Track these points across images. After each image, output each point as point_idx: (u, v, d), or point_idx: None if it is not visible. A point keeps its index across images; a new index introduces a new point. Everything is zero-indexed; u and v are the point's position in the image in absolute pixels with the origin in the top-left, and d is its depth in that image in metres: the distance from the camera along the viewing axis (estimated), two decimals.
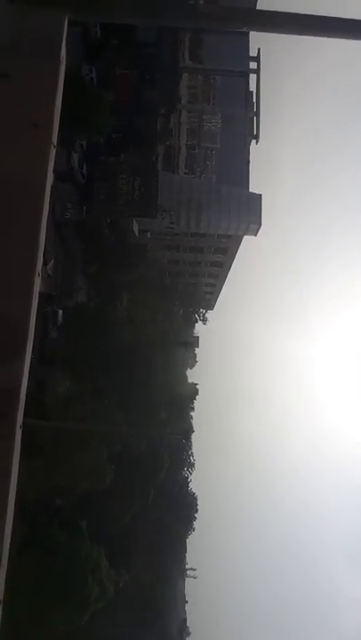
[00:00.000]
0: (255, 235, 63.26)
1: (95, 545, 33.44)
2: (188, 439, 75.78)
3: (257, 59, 64.82)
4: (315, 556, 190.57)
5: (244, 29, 5.15)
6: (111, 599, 35.52)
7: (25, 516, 31.14)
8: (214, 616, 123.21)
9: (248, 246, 76.31)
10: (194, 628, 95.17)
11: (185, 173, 64.77)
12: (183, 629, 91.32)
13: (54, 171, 5.07)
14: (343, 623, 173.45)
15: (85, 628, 34.75)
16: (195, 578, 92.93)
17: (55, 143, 4.63)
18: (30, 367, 5.97)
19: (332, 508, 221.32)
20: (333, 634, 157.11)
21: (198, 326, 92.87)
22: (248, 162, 66.21)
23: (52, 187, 5.14)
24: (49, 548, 30.65)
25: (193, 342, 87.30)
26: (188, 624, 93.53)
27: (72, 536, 32.12)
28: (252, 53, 64.97)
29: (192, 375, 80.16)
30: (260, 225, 61.21)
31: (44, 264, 36.84)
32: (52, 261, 40.96)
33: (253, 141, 66.44)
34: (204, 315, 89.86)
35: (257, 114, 65.06)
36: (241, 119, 64.97)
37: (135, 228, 55.96)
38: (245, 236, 65.65)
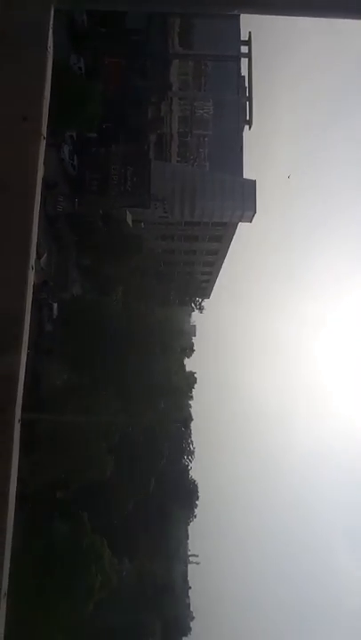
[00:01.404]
0: (250, 221, 63.06)
1: (97, 535, 33.68)
2: (188, 427, 76.21)
3: (248, 42, 64.12)
4: (316, 541, 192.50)
5: (235, 12, 5.08)
6: (115, 587, 35.85)
7: (26, 510, 31.31)
8: (217, 601, 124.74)
9: (243, 233, 76.22)
10: (197, 613, 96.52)
11: (178, 161, 64.34)
12: (187, 614, 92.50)
13: (44, 164, 5.01)
14: (344, 606, 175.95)
15: (90, 617, 35.09)
16: (197, 564, 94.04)
17: (45, 135, 4.58)
18: (26, 361, 5.96)
19: (335, 491, 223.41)
20: (334, 618, 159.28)
21: (195, 315, 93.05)
22: (241, 148, 65.79)
23: (43, 180, 5.09)
24: (51, 540, 30.85)
25: (190, 331, 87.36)
26: (191, 609, 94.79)
27: (74, 527, 32.34)
28: (244, 37, 64.27)
29: (190, 364, 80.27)
30: (254, 211, 60.99)
31: (38, 257, 36.71)
32: (46, 254, 40.81)
33: (246, 127, 65.94)
34: (200, 303, 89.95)
35: (249, 99, 64.46)
36: (233, 105, 64.39)
37: (129, 218, 55.68)
38: (240, 223, 65.45)
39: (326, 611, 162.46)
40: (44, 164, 5.22)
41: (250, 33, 64.11)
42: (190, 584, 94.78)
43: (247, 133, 66.29)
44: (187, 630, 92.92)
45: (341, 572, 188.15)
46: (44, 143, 4.66)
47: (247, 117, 65.16)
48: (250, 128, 65.78)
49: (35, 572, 28.90)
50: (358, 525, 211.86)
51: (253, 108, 64.78)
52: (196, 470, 78.51)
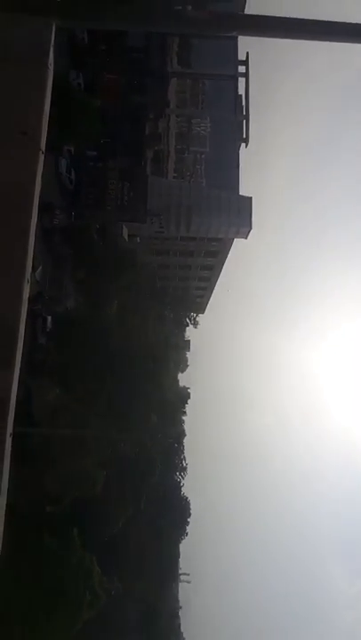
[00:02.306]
0: (246, 238, 63.43)
1: (87, 552, 33.21)
2: (180, 443, 75.69)
3: (246, 62, 65.08)
4: (309, 558, 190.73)
5: (233, 34, 5.18)
6: (103, 606, 35.26)
7: (15, 524, 30.86)
8: (208, 621, 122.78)
9: (239, 249, 76.60)
10: (187, 634, 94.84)
11: (174, 178, 64.84)
12: (178, 635, 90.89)
13: (42, 177, 5.04)
14: (339, 622, 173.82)
15: (78, 636, 34.44)
16: (188, 583, 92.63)
17: (44, 149, 4.61)
18: (19, 375, 5.92)
19: (327, 509, 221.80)
20: (330, 630, 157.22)
21: (189, 330, 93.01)
22: (238, 165, 66.42)
23: (40, 193, 5.12)
24: (40, 555, 30.38)
25: (184, 346, 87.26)
26: (181, 629, 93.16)
27: (63, 544, 31.87)
28: (241, 57, 65.28)
29: (183, 379, 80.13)
30: (250, 228, 61.40)
31: (33, 270, 36.55)
32: (40, 267, 40.80)
33: (243, 145, 66.65)
34: (194, 318, 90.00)
35: (246, 117, 65.24)
36: (230, 123, 65.17)
37: (124, 232, 55.88)
38: (236, 239, 65.83)
39: (318, 627, 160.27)
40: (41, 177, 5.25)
41: (247, 53, 65.21)
42: (181, 603, 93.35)
43: (244, 151, 67.11)
44: None
45: (333, 588, 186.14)
46: (42, 158, 4.70)
47: (244, 135, 65.92)
48: (246, 146, 66.52)
49: (22, 588, 28.40)
50: (351, 541, 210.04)
51: (250, 127, 65.58)
52: (189, 487, 77.88)
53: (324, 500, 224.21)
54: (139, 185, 51.86)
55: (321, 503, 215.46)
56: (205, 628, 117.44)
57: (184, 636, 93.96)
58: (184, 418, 76.59)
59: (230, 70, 64.53)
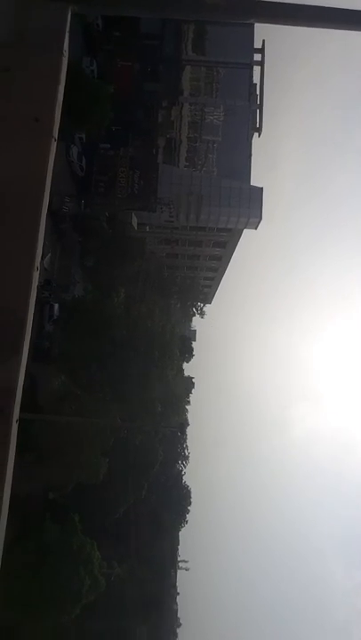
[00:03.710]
0: (255, 228, 63.10)
1: (88, 538, 33.51)
2: (184, 432, 76.01)
3: (262, 50, 64.24)
4: (308, 548, 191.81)
5: (251, 21, 5.09)
6: (103, 592, 35.65)
7: (18, 510, 31.20)
8: (205, 607, 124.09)
9: (248, 240, 76.29)
10: (185, 620, 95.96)
11: (186, 166, 64.47)
12: (174, 621, 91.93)
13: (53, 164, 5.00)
14: (334, 614, 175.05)
15: (77, 621, 34.89)
16: (187, 570, 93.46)
17: (56, 137, 4.57)
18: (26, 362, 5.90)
19: (325, 502, 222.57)
20: (326, 623, 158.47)
21: (196, 320, 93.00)
22: (250, 155, 65.90)
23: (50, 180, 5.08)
24: (41, 541, 30.70)
25: (190, 336, 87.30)
26: (179, 615, 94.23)
27: (65, 529, 32.18)
28: (257, 45, 64.44)
29: (188, 369, 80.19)
30: (260, 218, 61.05)
31: (41, 257, 36.65)
32: (49, 255, 40.85)
33: (256, 134, 66.05)
34: (201, 308, 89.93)
35: (260, 106, 64.54)
36: (244, 112, 64.51)
37: (134, 221, 55.74)
38: (245, 230, 65.49)
39: (314, 620, 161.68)
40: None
41: (263, 41, 64.33)
42: (179, 590, 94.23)
43: (256, 141, 66.51)
44: (173, 637, 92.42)
45: (331, 581, 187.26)
46: (54, 145, 4.66)
47: (257, 125, 65.27)
48: (259, 135, 65.92)
49: (23, 573, 28.75)
50: (349, 534, 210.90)
51: (263, 116, 64.93)
52: (190, 476, 78.38)
53: (323, 493, 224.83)
54: (150, 173, 51.61)
55: (320, 496, 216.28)
56: (202, 615, 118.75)
57: (181, 621, 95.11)
58: (188, 407, 76.82)
59: (246, 58, 63.75)
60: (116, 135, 52.36)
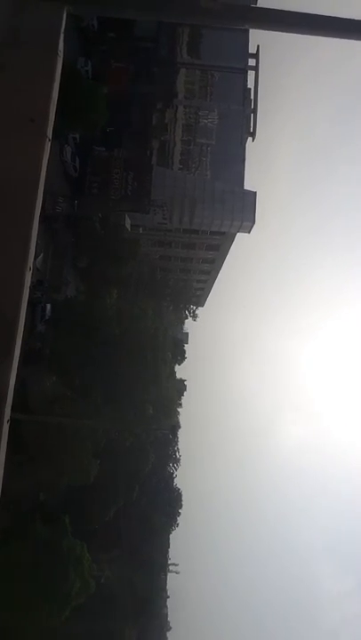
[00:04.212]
0: (248, 232, 63.35)
1: (78, 540, 33.39)
2: (175, 435, 75.95)
3: (256, 55, 64.55)
4: (297, 554, 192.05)
5: (245, 27, 5.12)
6: (92, 594, 35.51)
7: (8, 511, 31.02)
8: (195, 611, 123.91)
9: (241, 243, 76.55)
10: (175, 623, 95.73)
11: (179, 169, 64.57)
12: (164, 624, 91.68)
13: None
14: (324, 619, 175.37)
15: (66, 623, 34.71)
16: (177, 573, 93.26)
17: (50, 137, 4.57)
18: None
19: (315, 507, 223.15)
20: (314, 629, 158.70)
21: (188, 322, 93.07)
22: (244, 159, 66.14)
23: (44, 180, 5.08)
24: (31, 542, 30.54)
25: (183, 338, 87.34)
26: (168, 619, 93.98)
27: (55, 531, 32.04)
28: (252, 50, 64.73)
29: (180, 371, 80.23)
30: (253, 222, 61.30)
31: (34, 257, 36.52)
32: (42, 255, 40.72)
33: (250, 138, 66.32)
34: (194, 311, 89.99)
35: (254, 111, 64.82)
36: (238, 116, 64.76)
37: (127, 222, 55.71)
38: (238, 234, 65.71)
39: (303, 626, 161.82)
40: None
41: (258, 46, 64.65)
42: (169, 593, 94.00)
43: (250, 145, 66.78)
44: None
45: (319, 587, 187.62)
46: (48, 145, 4.66)
47: (251, 129, 65.54)
48: (253, 140, 66.18)
49: (12, 574, 28.58)
50: (339, 540, 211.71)
51: (258, 120, 65.19)
52: (181, 478, 78.25)
53: (313, 498, 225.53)
54: (143, 175, 51.65)
55: (309, 502, 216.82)
56: (191, 619, 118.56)
57: (171, 624, 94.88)
58: (180, 410, 76.79)
59: (240, 63, 64.04)
60: (111, 136, 52.37)
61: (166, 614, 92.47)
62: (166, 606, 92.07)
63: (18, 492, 32.29)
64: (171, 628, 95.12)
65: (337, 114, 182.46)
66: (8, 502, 30.80)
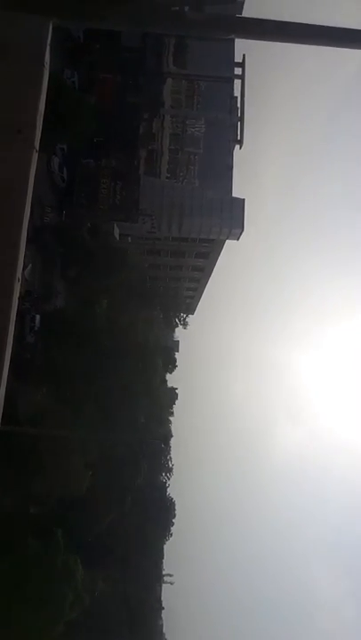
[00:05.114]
0: (237, 239, 63.66)
1: (71, 553, 33.02)
2: (167, 444, 75.67)
3: (242, 64, 65.14)
4: (293, 557, 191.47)
5: (230, 37, 5.18)
6: (87, 607, 35.12)
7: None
8: (190, 622, 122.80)
9: (230, 251, 76.82)
10: (170, 635, 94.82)
11: (167, 178, 64.82)
12: (160, 636, 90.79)
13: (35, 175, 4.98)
14: (321, 622, 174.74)
15: (61, 637, 34.25)
16: (171, 584, 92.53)
17: (37, 148, 4.57)
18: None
19: (311, 511, 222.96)
20: (311, 632, 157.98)
21: (179, 330, 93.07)
22: (231, 167, 66.55)
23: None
24: (24, 557, 30.15)
25: (173, 347, 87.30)
26: (164, 630, 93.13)
27: (47, 545, 31.66)
28: (238, 59, 65.34)
29: (172, 380, 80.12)
30: (242, 229, 61.63)
31: (22, 268, 36.34)
32: (30, 265, 40.58)
33: (237, 146, 66.81)
34: (184, 319, 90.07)
35: (241, 119, 65.38)
36: (225, 124, 65.24)
37: (116, 232, 55.76)
38: (228, 241, 66.00)
39: (300, 628, 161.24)
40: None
41: (244, 55, 65.19)
42: (163, 604, 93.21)
43: (237, 152, 67.25)
44: None
45: (316, 590, 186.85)
46: (36, 156, 4.65)
47: (238, 137, 66.04)
48: (240, 147, 66.67)
49: (5, 589, 28.18)
50: (337, 543, 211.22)
51: (244, 128, 65.76)
52: (174, 488, 77.83)
53: (310, 501, 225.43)
54: (131, 185, 51.81)
55: (306, 504, 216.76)
56: (187, 630, 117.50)
57: (166, 637, 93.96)
58: (171, 418, 76.61)
59: (226, 72, 64.61)
60: (98, 147, 52.50)
61: (162, 625, 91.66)
62: (161, 618, 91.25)
63: (9, 504, 31.94)
64: (167, 639, 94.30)
65: (325, 120, 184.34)
66: None
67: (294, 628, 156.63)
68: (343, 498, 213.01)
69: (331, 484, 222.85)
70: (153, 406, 54.86)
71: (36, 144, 4.32)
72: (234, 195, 64.27)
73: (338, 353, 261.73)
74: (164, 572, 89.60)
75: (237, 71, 65.55)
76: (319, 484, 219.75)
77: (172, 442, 77.93)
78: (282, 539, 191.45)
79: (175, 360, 74.90)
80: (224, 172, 65.84)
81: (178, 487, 79.44)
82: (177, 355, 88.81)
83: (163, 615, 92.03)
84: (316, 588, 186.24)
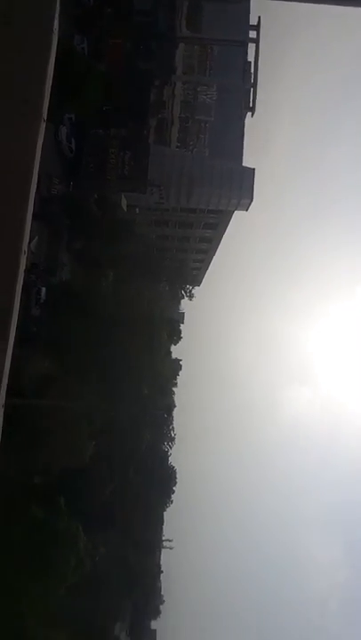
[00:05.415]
0: (246, 210, 62.74)
1: (73, 520, 33.72)
2: (170, 414, 76.55)
3: (257, 27, 62.96)
4: (290, 528, 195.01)
5: None
6: (88, 572, 36.06)
7: (3, 494, 31.22)
8: (188, 585, 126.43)
9: (239, 222, 75.79)
10: (168, 597, 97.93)
11: (177, 147, 63.70)
12: (158, 598, 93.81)
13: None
14: (313, 587, 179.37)
15: (62, 600, 35.31)
16: (171, 549, 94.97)
17: (45, 118, 4.45)
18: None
19: (311, 481, 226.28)
20: (304, 597, 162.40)
21: (184, 302, 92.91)
22: (243, 135, 65.16)
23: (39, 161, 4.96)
24: (27, 524, 30.83)
25: (178, 318, 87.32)
26: (162, 592, 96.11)
27: (50, 512, 32.33)
28: (253, 22, 63.17)
29: (176, 351, 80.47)
30: (251, 200, 60.63)
31: (28, 240, 36.14)
32: (36, 238, 40.35)
33: (249, 114, 65.22)
34: (190, 291, 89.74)
35: (254, 85, 63.44)
36: (237, 91, 63.44)
37: (123, 203, 55.19)
38: (236, 212, 65.12)
39: (292, 593, 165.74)
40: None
41: (259, 17, 62.89)
42: (163, 568, 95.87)
43: (249, 120, 65.69)
44: (156, 614, 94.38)
45: (313, 560, 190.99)
46: (43, 126, 4.54)
47: (250, 104, 64.30)
48: (252, 115, 64.98)
49: (7, 555, 28.93)
50: (332, 508, 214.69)
51: (257, 95, 63.94)
52: (176, 457, 79.04)
53: (310, 472, 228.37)
54: (140, 155, 50.97)
55: (304, 472, 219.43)
56: (184, 592, 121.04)
57: (164, 598, 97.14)
58: (175, 389, 77.18)
59: (240, 35, 62.44)
60: (107, 115, 51.49)
61: (160, 588, 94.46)
62: (160, 580, 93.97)
63: (13, 474, 32.50)
64: (164, 601, 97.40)
65: (339, 86, 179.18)
66: (3, 485, 31.01)
67: (287, 590, 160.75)
68: (345, 462, 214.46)
69: (329, 452, 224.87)
70: (157, 377, 55.20)
71: (44, 114, 4.21)
72: (244, 164, 63.15)
73: (347, 324, 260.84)
74: (163, 538, 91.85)
75: (252, 34, 63.35)
76: (318, 452, 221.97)
77: (175, 412, 78.88)
78: (285, 504, 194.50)
79: (180, 332, 75.00)
80: (235, 140, 64.54)
81: (180, 456, 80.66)
82: (182, 326, 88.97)
83: (161, 578, 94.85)
84: (308, 553, 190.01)
